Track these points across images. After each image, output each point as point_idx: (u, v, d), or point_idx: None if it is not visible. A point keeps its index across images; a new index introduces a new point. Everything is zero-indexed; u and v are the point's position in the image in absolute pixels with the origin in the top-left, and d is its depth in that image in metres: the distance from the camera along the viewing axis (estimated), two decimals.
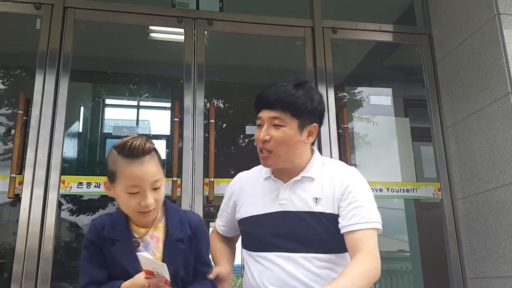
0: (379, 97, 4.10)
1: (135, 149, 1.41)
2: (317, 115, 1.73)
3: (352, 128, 3.82)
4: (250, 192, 1.81)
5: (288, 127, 1.67)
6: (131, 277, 1.42)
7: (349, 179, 1.71)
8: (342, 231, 1.64)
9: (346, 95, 4.16)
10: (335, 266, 1.65)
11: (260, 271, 1.68)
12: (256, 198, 1.78)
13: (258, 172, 1.84)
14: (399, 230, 3.88)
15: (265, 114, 1.70)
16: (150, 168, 1.44)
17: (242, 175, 1.92)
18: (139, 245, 1.48)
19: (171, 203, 1.63)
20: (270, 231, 1.70)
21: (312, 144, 1.81)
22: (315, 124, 1.72)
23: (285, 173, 1.76)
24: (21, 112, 2.90)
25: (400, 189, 3.30)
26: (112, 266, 1.48)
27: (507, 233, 2.75)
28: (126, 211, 1.49)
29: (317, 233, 1.67)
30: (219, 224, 1.94)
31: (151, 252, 1.48)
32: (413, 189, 3.32)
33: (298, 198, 1.71)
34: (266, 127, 1.69)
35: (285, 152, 1.70)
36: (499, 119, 2.84)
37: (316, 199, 1.69)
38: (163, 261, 1.44)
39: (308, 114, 1.69)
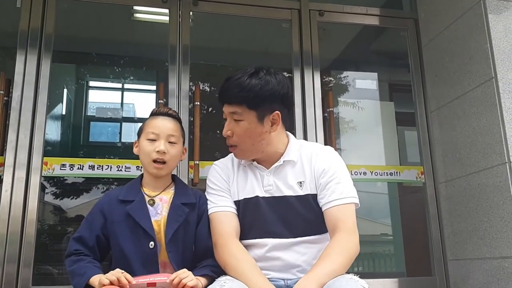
0: (364, 81, 4.11)
1: (160, 110, 1.81)
2: (279, 101, 1.72)
3: (338, 112, 3.83)
4: (233, 178, 1.81)
5: (246, 121, 1.69)
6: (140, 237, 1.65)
7: (326, 158, 1.75)
8: (323, 209, 1.68)
9: (332, 79, 4.15)
10: (322, 245, 1.69)
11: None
12: (240, 183, 1.79)
13: (237, 160, 1.84)
14: (382, 213, 3.93)
15: (225, 109, 1.74)
16: (169, 124, 1.77)
17: (219, 164, 1.88)
18: (153, 203, 1.71)
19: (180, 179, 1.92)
20: (258, 217, 1.72)
21: (286, 129, 1.83)
22: (277, 111, 1.71)
23: (265, 159, 1.78)
24: (1, 92, 2.84)
25: (384, 173, 3.33)
26: (122, 229, 1.68)
27: (487, 216, 2.80)
28: (144, 161, 1.75)
29: (304, 217, 1.70)
30: (231, 207, 1.75)
31: (159, 212, 1.71)
32: (397, 172, 3.36)
33: (283, 183, 1.74)
34: (228, 122, 1.74)
35: (250, 144, 1.73)
36: (482, 103, 2.87)
37: (301, 182, 1.72)
38: (167, 220, 1.69)
39: (266, 102, 1.69)
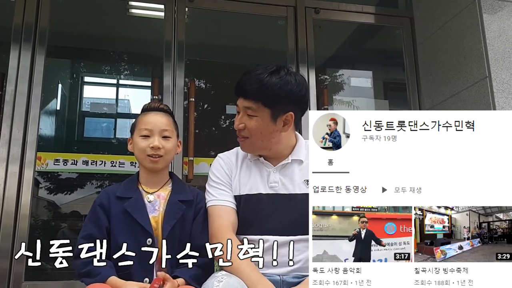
0: (359, 79, 4.11)
1: (151, 105, 1.80)
2: (294, 102, 1.71)
3: (332, 110, 3.84)
4: (235, 173, 1.80)
5: (260, 117, 1.69)
6: (139, 231, 1.63)
7: None
8: None
9: (327, 77, 4.16)
10: None
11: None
12: (243, 179, 1.78)
13: (243, 153, 1.83)
14: None
15: (240, 103, 1.73)
16: (162, 119, 1.76)
17: (222, 157, 1.86)
18: (152, 200, 1.72)
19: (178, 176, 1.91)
20: (259, 214, 1.71)
21: (297, 129, 1.82)
22: (291, 112, 1.71)
23: (272, 156, 1.78)
24: None
25: None
26: (120, 226, 1.67)
27: None
28: (139, 157, 1.75)
29: (307, 215, 1.69)
30: (230, 202, 1.75)
31: (157, 208, 1.71)
32: None
33: (289, 181, 1.74)
34: (240, 116, 1.73)
35: (260, 140, 1.72)
36: (476, 102, 2.89)
37: (307, 181, 1.72)
38: (164, 216, 1.68)
39: (282, 103, 1.68)
